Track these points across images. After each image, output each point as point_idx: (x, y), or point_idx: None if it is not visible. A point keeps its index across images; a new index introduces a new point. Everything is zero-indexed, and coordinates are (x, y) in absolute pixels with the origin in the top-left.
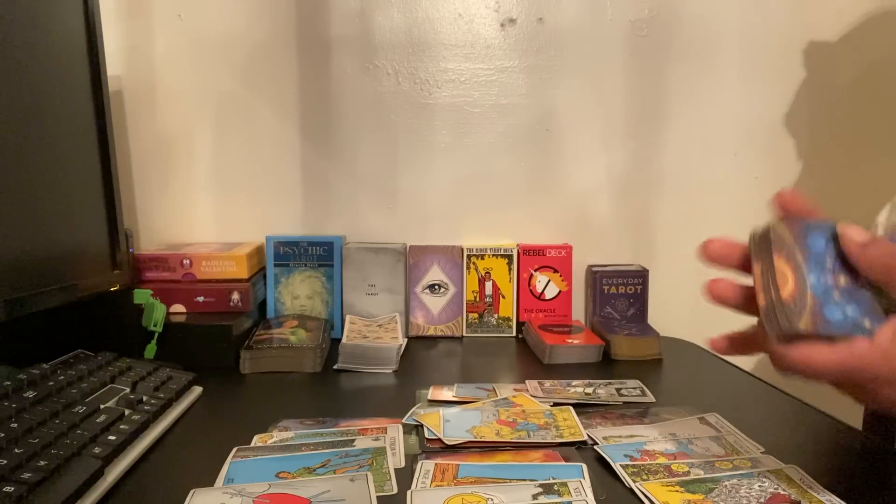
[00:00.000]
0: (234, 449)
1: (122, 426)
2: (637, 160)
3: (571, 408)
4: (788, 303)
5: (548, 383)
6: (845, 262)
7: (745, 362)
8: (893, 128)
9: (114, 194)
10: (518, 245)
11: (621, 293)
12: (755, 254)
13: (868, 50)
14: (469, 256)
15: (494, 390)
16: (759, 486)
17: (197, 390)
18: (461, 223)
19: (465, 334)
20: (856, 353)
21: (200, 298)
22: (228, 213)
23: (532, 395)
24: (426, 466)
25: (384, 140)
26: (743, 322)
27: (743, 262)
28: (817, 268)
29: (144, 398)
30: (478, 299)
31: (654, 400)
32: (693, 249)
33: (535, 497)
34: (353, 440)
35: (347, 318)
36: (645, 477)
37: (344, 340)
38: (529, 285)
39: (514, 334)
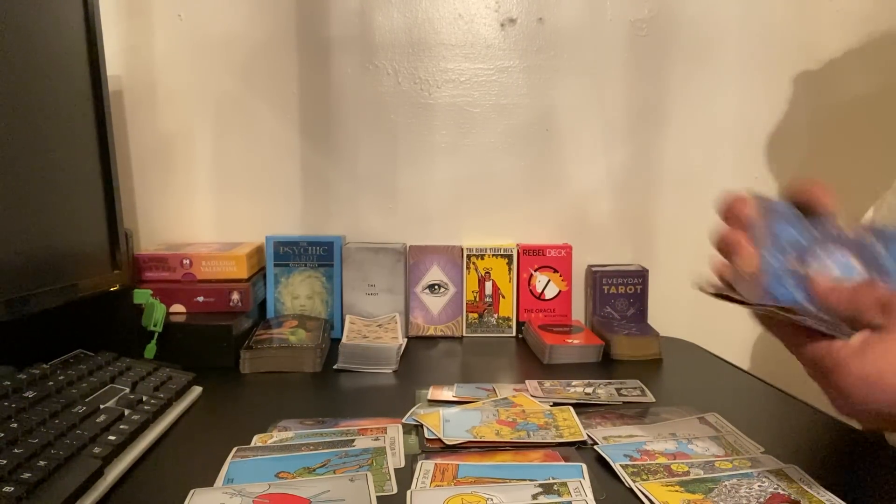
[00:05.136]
0: (234, 449)
1: (121, 426)
2: (637, 160)
3: (571, 408)
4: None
5: (548, 383)
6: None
7: (745, 362)
8: (893, 126)
9: (114, 194)
10: (518, 245)
11: (621, 293)
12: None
13: (868, 49)
14: (469, 256)
15: (494, 390)
16: (759, 485)
17: (197, 390)
18: (461, 223)
19: (464, 334)
20: (833, 348)
21: (200, 298)
22: (228, 213)
23: (532, 395)
24: (426, 466)
25: (384, 140)
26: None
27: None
28: (776, 251)
29: (144, 398)
30: (478, 299)
31: (653, 400)
32: (693, 249)
33: (534, 497)
34: (352, 440)
35: (347, 317)
36: (645, 477)
37: (344, 340)
38: (529, 285)
39: (514, 334)
